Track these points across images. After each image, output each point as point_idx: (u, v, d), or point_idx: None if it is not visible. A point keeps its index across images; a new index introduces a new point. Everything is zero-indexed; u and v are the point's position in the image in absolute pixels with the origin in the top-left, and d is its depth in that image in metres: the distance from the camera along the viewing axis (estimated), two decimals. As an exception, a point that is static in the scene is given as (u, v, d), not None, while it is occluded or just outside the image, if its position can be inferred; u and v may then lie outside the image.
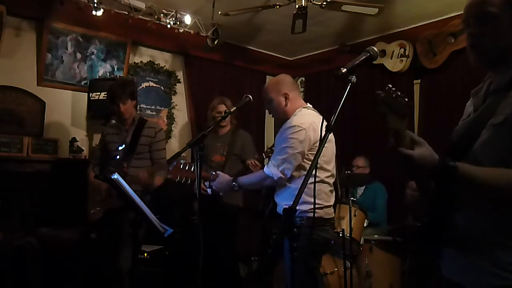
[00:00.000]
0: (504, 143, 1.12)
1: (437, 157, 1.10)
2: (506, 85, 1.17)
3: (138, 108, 4.21)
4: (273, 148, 3.13)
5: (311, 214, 2.17)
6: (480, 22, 1.21)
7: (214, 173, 2.58)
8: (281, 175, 2.26)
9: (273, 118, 5.89)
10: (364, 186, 4.13)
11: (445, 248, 1.24)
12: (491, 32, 1.20)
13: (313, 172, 1.32)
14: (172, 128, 4.84)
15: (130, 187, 2.36)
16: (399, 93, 1.08)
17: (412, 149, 1.10)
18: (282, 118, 2.45)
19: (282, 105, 2.42)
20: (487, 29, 1.20)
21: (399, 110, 1.08)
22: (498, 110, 1.15)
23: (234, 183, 2.44)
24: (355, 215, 3.35)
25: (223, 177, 2.53)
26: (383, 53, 4.52)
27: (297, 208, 1.24)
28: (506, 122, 1.12)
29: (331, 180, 2.40)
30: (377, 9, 3.41)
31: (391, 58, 4.50)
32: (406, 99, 1.08)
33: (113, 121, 3.29)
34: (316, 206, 2.20)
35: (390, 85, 1.09)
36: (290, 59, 5.85)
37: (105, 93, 3.51)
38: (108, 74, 4.23)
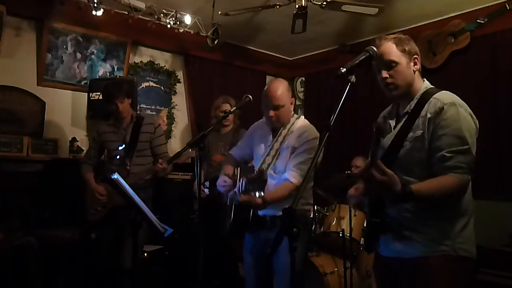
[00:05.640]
0: (422, 149, 1.57)
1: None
2: (413, 110, 1.64)
3: (138, 108, 4.20)
4: None
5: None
6: (387, 68, 1.66)
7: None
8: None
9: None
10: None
11: (382, 234, 1.61)
12: (396, 73, 1.66)
13: (312, 173, 1.32)
14: (172, 128, 4.83)
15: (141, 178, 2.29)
16: None
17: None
18: (281, 125, 2.36)
19: (290, 111, 2.37)
20: (393, 72, 1.66)
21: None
22: (414, 127, 1.61)
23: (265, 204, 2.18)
24: (355, 215, 3.35)
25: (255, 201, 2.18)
26: (383, 53, 4.52)
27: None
28: (423, 135, 1.58)
29: None
30: (377, 9, 3.42)
31: (391, 58, 4.50)
32: None
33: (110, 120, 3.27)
34: None
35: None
36: (290, 59, 5.84)
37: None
38: (108, 74, 4.23)
